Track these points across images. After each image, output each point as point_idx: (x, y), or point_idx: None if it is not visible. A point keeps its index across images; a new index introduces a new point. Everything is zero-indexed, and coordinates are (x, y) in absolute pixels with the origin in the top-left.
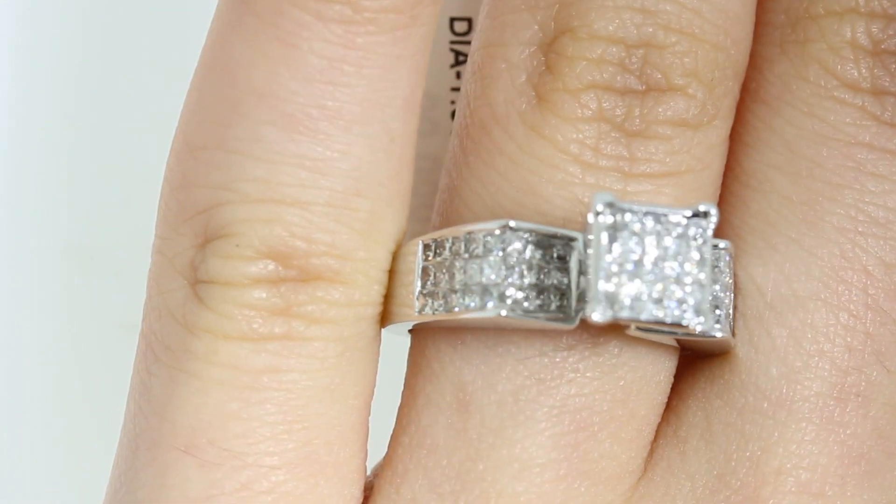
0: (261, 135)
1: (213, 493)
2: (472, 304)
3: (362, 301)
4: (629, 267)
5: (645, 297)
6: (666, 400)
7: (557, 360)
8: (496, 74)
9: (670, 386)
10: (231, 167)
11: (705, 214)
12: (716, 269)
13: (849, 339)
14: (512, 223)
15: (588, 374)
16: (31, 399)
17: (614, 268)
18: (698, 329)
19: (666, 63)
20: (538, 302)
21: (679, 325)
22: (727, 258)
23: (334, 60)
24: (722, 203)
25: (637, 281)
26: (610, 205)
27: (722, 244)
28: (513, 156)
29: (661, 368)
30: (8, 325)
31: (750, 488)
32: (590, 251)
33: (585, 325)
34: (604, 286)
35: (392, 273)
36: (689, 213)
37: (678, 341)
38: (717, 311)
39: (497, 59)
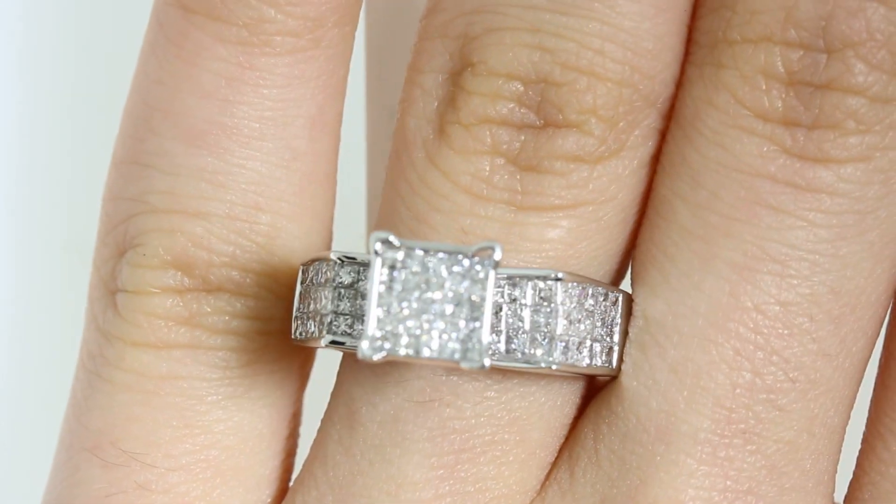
0: (166, 149)
1: (112, 491)
2: (312, 331)
3: (265, 315)
4: (405, 305)
5: (421, 334)
6: (569, 423)
7: (436, 383)
8: (412, 100)
9: (575, 409)
10: (142, 180)
11: (488, 252)
12: (587, 305)
13: (734, 377)
14: (333, 255)
15: (469, 399)
16: (31, 394)
17: (394, 306)
18: (465, 367)
19: (563, 100)
20: (346, 328)
21: (453, 362)
22: (603, 293)
23: (231, 79)
24: (637, 228)
25: (412, 319)
26: (387, 242)
27: (593, 287)
28: (412, 184)
29: (558, 393)
30: (8, 320)
31: None
32: (368, 289)
33: None
34: (376, 326)
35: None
36: (470, 252)
37: None
38: (594, 345)
39: (414, 85)
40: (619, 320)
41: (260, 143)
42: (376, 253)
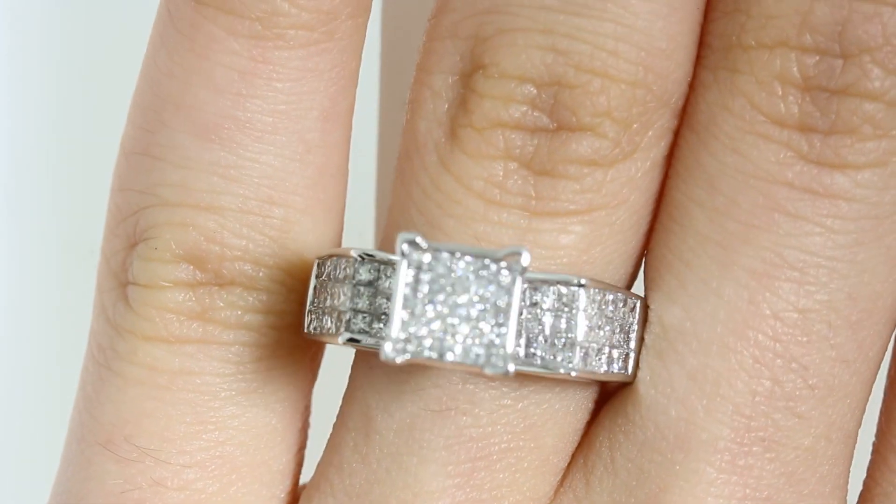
0: (178, 142)
1: (127, 487)
2: (328, 327)
3: (277, 309)
4: (430, 308)
5: (445, 337)
6: (582, 428)
7: (452, 392)
8: (422, 101)
9: (588, 415)
10: (153, 172)
11: (515, 257)
12: (608, 311)
13: (753, 385)
14: (354, 252)
15: (485, 406)
16: (30, 392)
17: (419, 308)
18: (489, 372)
19: (577, 102)
20: (364, 326)
21: (477, 367)
22: (622, 299)
23: (244, 73)
24: (649, 233)
25: (436, 322)
26: (413, 243)
27: (611, 293)
28: (425, 188)
29: (572, 399)
30: (7, 319)
31: None
32: (393, 291)
33: None
34: (400, 328)
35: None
36: (497, 256)
37: None
38: (612, 351)
39: (424, 86)
40: (636, 326)
41: (273, 136)
42: (403, 254)
